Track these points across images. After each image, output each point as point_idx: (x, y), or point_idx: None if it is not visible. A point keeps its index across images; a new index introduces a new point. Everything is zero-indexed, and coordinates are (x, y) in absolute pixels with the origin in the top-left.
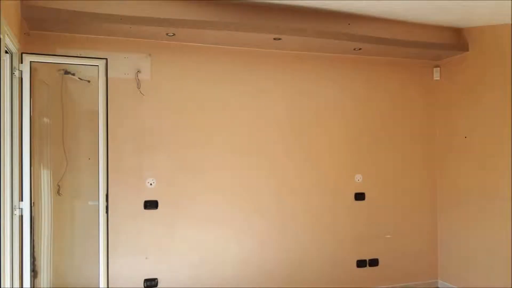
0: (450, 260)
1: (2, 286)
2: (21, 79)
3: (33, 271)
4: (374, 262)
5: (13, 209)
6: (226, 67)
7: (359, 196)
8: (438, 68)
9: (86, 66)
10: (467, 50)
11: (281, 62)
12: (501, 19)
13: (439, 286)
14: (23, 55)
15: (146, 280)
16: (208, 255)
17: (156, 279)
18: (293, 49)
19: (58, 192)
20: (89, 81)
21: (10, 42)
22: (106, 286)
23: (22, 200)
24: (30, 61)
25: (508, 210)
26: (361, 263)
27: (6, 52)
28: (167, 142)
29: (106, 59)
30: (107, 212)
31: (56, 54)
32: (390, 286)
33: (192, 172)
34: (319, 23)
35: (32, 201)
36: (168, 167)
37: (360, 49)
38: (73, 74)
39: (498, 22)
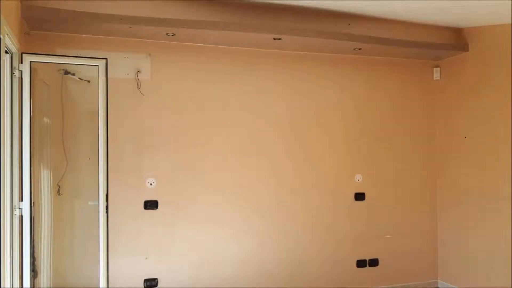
0: (450, 260)
1: (2, 286)
2: (21, 79)
3: (33, 271)
4: (374, 262)
5: (13, 209)
6: (226, 67)
7: (359, 196)
8: (438, 68)
9: (86, 66)
10: (467, 50)
11: (281, 62)
12: (501, 19)
13: (439, 286)
14: (23, 55)
15: (146, 280)
16: (208, 255)
17: (156, 279)
18: (293, 49)
19: (58, 192)
20: (89, 81)
21: (10, 42)
22: (106, 286)
23: (22, 200)
24: (30, 61)
25: (508, 210)
26: (361, 263)
27: (6, 52)
28: (167, 142)
29: (106, 59)
30: (107, 212)
31: (56, 54)
32: (390, 286)
33: (192, 172)
34: (319, 23)
35: (32, 201)
36: (168, 167)
37: (360, 49)
38: (73, 74)
39: (498, 22)
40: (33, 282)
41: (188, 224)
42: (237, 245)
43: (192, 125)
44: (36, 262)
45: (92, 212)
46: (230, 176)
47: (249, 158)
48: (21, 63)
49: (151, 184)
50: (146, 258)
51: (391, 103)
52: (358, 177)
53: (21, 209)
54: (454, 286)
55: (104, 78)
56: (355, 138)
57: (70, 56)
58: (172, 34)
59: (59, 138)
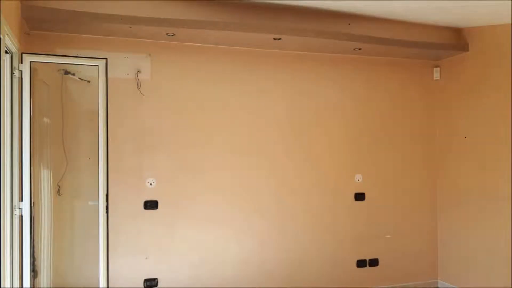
0: (450, 260)
1: (2, 286)
2: (21, 79)
3: (33, 271)
4: (374, 262)
5: (13, 209)
6: (226, 67)
7: (359, 196)
8: (438, 68)
9: (86, 66)
10: (467, 50)
11: (281, 62)
12: (501, 19)
13: (439, 286)
14: (23, 55)
15: (146, 280)
16: (208, 255)
17: (156, 279)
18: (293, 49)
19: (58, 192)
20: (89, 81)
21: (10, 42)
22: (106, 286)
23: (22, 200)
24: (30, 61)
25: (508, 210)
26: (361, 263)
27: (6, 52)
28: (167, 142)
29: (106, 59)
30: (107, 212)
31: (56, 54)
32: (390, 286)
33: (192, 172)
34: (319, 23)
35: (32, 201)
36: (168, 167)
37: (360, 49)
38: (73, 74)
39: (498, 22)
40: (33, 282)
41: (188, 224)
42: (237, 245)
43: (192, 125)
44: (36, 262)
45: (92, 212)
46: (230, 176)
47: (249, 158)
48: (21, 63)
49: (151, 184)
50: (146, 258)
51: (391, 103)
52: (358, 177)
53: (21, 209)
54: (454, 286)
55: (104, 78)
56: (355, 138)
57: (70, 56)
58: (172, 34)
59: (59, 138)
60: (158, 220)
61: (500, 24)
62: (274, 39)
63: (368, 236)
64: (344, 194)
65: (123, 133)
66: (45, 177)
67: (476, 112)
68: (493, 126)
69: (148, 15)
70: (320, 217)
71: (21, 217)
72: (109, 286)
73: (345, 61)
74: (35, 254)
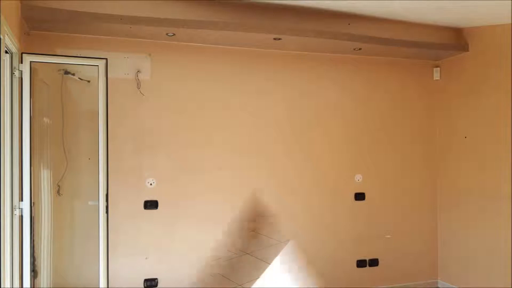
0: (450, 260)
1: (2, 286)
2: (21, 79)
3: (33, 271)
4: (374, 262)
5: (13, 209)
6: (226, 67)
7: (359, 196)
8: (438, 68)
9: (86, 66)
10: (467, 50)
11: (281, 62)
12: (501, 19)
13: (439, 286)
14: (23, 55)
15: (146, 280)
16: (208, 255)
17: (156, 279)
18: (293, 49)
19: (58, 192)
20: (89, 81)
21: (10, 42)
22: (106, 286)
23: (22, 200)
24: (30, 61)
25: (508, 210)
26: (361, 263)
27: (6, 52)
28: (167, 142)
29: (106, 59)
30: (107, 212)
31: (56, 54)
32: (390, 286)
33: (192, 172)
34: (319, 23)
35: (32, 201)
36: (168, 167)
37: (360, 49)
38: (73, 74)
39: (498, 22)
40: (33, 282)
41: (188, 224)
42: None
43: (192, 125)
44: (36, 262)
45: (92, 212)
46: (230, 176)
47: (249, 158)
48: (21, 63)
49: (151, 184)
50: (146, 258)
51: (391, 103)
52: (358, 177)
53: (21, 209)
54: (454, 286)
55: (104, 78)
56: (355, 138)
57: (70, 56)
58: (172, 34)
59: (59, 138)
60: (158, 220)
61: (500, 24)
62: (274, 39)
63: (368, 236)
64: (344, 194)
65: (123, 133)
66: (45, 177)
67: (476, 112)
68: (493, 126)
69: (148, 15)
70: (320, 217)
71: (21, 217)
72: (109, 286)
73: (345, 61)
74: (35, 254)
